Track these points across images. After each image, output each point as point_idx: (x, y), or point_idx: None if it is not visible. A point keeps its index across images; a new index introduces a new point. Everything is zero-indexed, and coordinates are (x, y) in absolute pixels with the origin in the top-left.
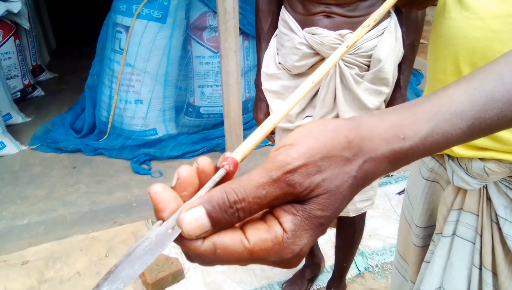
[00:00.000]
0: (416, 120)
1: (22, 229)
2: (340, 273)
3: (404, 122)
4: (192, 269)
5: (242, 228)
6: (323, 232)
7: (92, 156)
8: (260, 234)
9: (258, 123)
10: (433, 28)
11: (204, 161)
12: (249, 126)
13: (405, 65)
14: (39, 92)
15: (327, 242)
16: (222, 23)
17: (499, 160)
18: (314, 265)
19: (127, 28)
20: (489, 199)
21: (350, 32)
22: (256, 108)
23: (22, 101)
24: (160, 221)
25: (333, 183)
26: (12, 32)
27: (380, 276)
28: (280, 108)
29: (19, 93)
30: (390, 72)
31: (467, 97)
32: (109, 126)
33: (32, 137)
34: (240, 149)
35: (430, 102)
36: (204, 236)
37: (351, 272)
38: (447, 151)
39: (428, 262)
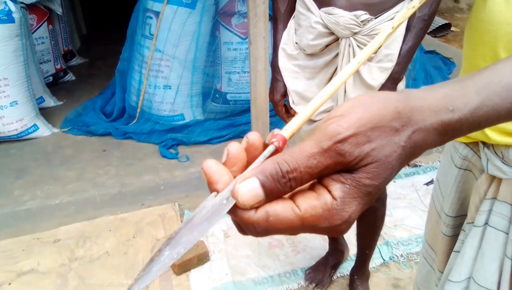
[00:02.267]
0: (466, 92)
1: (54, 209)
2: (363, 260)
3: (453, 94)
4: (217, 252)
5: (292, 198)
6: (371, 201)
7: (121, 140)
8: (310, 202)
9: (274, 104)
10: (472, 12)
11: (254, 136)
12: None
13: (410, 36)
14: (70, 76)
15: (352, 231)
16: (252, 8)
17: None
18: (337, 252)
19: (157, 13)
20: None
21: (365, 13)
22: (272, 89)
23: (54, 85)
24: (214, 193)
25: (382, 153)
26: (46, 17)
27: (405, 266)
28: (322, 93)
29: (51, 77)
30: (395, 48)
31: None
32: (138, 110)
33: (64, 120)
34: (289, 127)
35: (481, 75)
36: (257, 206)
37: (376, 261)
38: (482, 138)
39: (458, 252)
